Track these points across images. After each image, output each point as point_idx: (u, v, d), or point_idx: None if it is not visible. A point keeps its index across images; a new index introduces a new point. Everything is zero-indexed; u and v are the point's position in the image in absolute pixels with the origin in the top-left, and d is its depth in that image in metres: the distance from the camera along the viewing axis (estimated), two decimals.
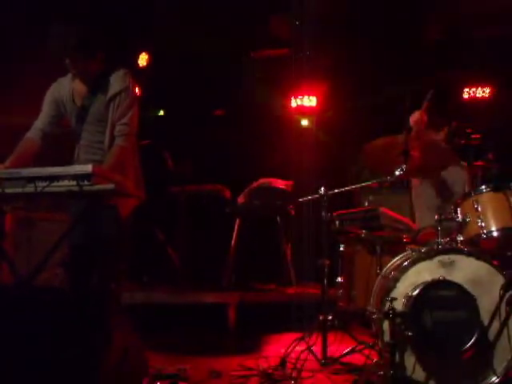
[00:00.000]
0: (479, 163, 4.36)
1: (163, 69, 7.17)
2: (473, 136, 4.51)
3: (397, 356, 3.16)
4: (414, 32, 6.52)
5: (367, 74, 6.68)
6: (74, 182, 2.82)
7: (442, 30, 6.53)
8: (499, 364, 3.24)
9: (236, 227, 6.28)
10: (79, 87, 3.57)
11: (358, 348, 3.97)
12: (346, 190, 4.18)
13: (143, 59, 7.20)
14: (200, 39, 6.79)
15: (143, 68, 7.18)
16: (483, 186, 3.64)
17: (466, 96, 7.35)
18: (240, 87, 7.34)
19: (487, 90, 7.32)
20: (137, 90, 3.65)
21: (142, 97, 6.82)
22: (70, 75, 3.60)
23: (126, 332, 2.85)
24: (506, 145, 5.51)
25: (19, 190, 2.91)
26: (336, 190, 4.08)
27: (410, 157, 3.67)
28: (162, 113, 7.67)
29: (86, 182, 2.82)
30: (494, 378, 3.22)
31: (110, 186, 2.89)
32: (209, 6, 6.47)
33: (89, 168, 2.84)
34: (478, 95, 7.33)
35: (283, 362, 3.80)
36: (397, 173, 3.67)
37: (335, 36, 6.44)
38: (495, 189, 3.55)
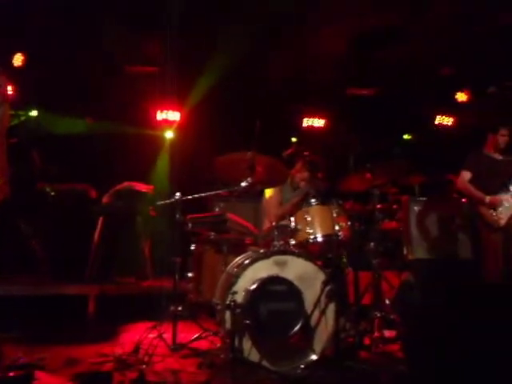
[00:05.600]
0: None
1: (39, 70, 6.65)
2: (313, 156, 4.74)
3: (236, 341, 3.23)
4: (263, 68, 6.72)
5: (223, 100, 6.80)
6: None
7: (288, 69, 6.82)
8: (318, 345, 3.44)
9: (99, 225, 6.01)
10: None
11: (204, 335, 3.98)
12: (200, 197, 4.18)
13: (18, 59, 6.61)
14: (73, 45, 6.39)
15: (19, 68, 6.60)
16: (313, 200, 3.87)
17: (305, 125, 7.79)
18: (111, 96, 7.07)
19: (322, 122, 7.82)
20: (9, 89, 3.32)
21: (16, 96, 6.31)
22: None
23: None
24: (333, 167, 5.90)
25: None
26: (190, 196, 4.06)
27: (255, 171, 3.78)
28: (34, 113, 7.10)
29: None
30: (313, 356, 3.41)
31: None
32: (84, 17, 6.08)
33: None
34: (314, 125, 7.80)
35: (137, 349, 3.68)
36: (243, 184, 3.76)
37: (198, 57, 6.43)
38: (322, 203, 3.79)
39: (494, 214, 4.98)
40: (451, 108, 8.11)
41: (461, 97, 7.76)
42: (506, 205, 4.99)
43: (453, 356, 2.73)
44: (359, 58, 6.77)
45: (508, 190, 5.04)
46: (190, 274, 4.28)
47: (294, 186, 4.56)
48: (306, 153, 4.68)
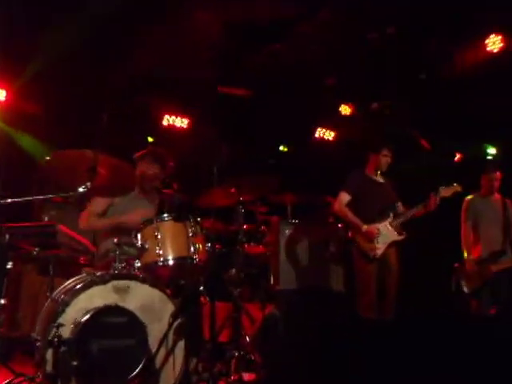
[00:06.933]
0: (168, 191, 4.61)
1: None
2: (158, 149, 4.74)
3: None
4: (117, 50, 6.60)
5: (65, 82, 6.56)
6: None
7: (149, 53, 6.76)
8: None
9: None
10: None
11: (15, 381, 3.72)
12: (24, 201, 3.93)
13: None
14: None
15: None
16: (165, 215, 3.86)
17: (165, 123, 7.78)
18: None
19: (186, 121, 7.88)
20: None
21: None
22: None
23: None
24: (193, 176, 5.95)
25: None
26: (9, 200, 3.80)
27: (96, 174, 3.67)
28: None
29: None
30: None
31: None
32: None
33: None
34: (176, 124, 7.84)
35: None
36: (80, 189, 3.61)
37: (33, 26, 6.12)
38: (176, 218, 3.79)
39: (371, 242, 5.38)
40: (334, 121, 8.65)
41: (345, 110, 8.31)
42: (384, 232, 5.41)
43: None
44: (237, 52, 6.95)
45: (388, 217, 5.48)
46: (2, 301, 4.01)
47: (147, 187, 4.49)
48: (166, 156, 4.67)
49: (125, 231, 3.90)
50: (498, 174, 6.00)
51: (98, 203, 4.37)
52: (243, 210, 4.42)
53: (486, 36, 6.76)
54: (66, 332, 3.19)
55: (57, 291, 3.66)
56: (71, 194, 3.64)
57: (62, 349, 3.11)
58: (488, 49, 6.76)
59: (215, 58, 6.93)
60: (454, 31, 6.50)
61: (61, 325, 3.20)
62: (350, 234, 5.57)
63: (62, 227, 4.15)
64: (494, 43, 6.75)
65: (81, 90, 6.71)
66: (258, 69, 7.30)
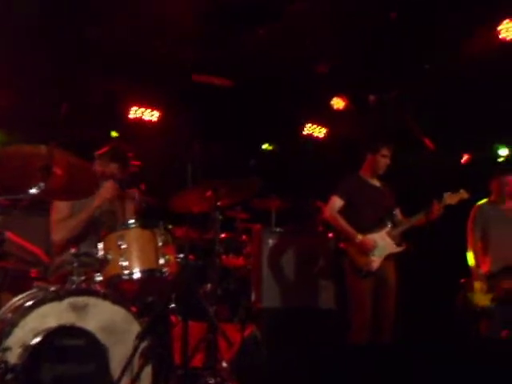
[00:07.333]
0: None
1: None
2: (133, 162, 4.71)
3: None
4: (78, 30, 6.56)
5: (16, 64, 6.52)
6: None
7: (116, 35, 6.72)
8: None
9: None
10: None
11: None
12: None
13: None
14: None
15: None
16: (131, 221, 3.83)
17: (132, 116, 7.73)
18: None
19: (156, 114, 7.84)
20: None
21: None
22: None
23: None
24: (164, 177, 5.92)
25: None
26: None
27: (51, 174, 3.62)
28: None
29: None
30: None
31: None
32: None
33: None
34: (145, 117, 7.80)
35: None
36: (32, 191, 3.57)
37: None
38: (143, 225, 3.75)
39: (366, 255, 5.37)
40: (325, 116, 8.66)
41: (337, 103, 8.32)
42: (381, 244, 5.41)
43: None
44: (216, 35, 6.93)
45: (385, 226, 5.48)
46: None
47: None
48: (129, 154, 4.65)
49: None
50: (510, 178, 6.03)
51: (60, 209, 4.33)
52: (221, 216, 4.41)
53: (500, 22, 6.71)
54: (13, 357, 3.17)
55: (3, 309, 3.61)
56: (21, 196, 3.59)
57: (9, 376, 3.09)
58: (501, 36, 6.72)
59: (190, 41, 6.90)
60: (462, 16, 6.47)
61: (7, 348, 3.17)
62: (341, 245, 5.58)
63: (9, 235, 4.10)
64: (507, 30, 6.69)
65: (36, 76, 6.66)
66: (239, 55, 7.28)
